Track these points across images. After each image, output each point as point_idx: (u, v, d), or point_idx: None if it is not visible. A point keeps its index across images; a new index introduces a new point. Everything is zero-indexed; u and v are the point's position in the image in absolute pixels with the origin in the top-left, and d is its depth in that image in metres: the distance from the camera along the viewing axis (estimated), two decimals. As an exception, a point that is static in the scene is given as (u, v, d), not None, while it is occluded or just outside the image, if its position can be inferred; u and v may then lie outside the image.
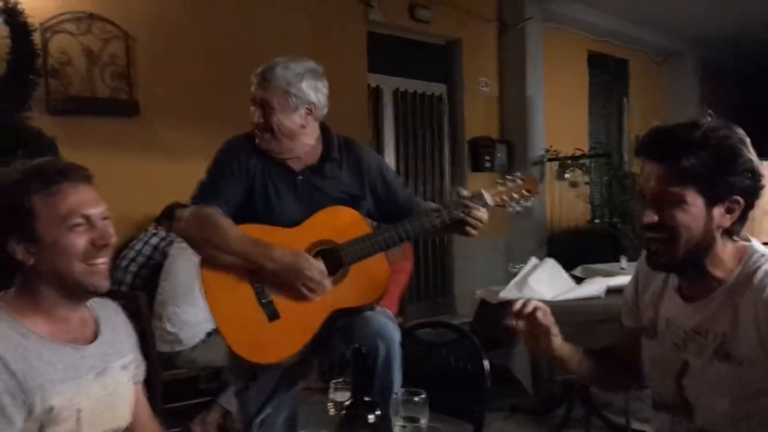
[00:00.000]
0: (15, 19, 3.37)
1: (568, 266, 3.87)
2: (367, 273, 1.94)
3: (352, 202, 2.04)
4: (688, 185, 1.25)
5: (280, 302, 1.87)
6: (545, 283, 3.50)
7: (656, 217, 1.29)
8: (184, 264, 3.18)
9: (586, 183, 6.45)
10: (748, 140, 1.28)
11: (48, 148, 3.37)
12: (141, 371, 1.55)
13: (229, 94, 4.31)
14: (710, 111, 1.33)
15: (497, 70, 6.42)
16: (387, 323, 1.92)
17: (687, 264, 1.34)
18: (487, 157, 6.09)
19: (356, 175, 2.07)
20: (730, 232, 1.31)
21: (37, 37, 3.50)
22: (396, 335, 1.92)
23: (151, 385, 1.61)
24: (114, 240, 1.36)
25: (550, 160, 6.34)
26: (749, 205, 1.29)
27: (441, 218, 1.95)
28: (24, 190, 1.28)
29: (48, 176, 1.30)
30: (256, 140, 1.99)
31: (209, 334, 3.19)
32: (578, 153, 6.44)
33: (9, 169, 1.32)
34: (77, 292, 1.35)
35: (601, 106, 7.75)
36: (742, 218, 1.30)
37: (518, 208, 2.09)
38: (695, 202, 1.26)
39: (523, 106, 6.31)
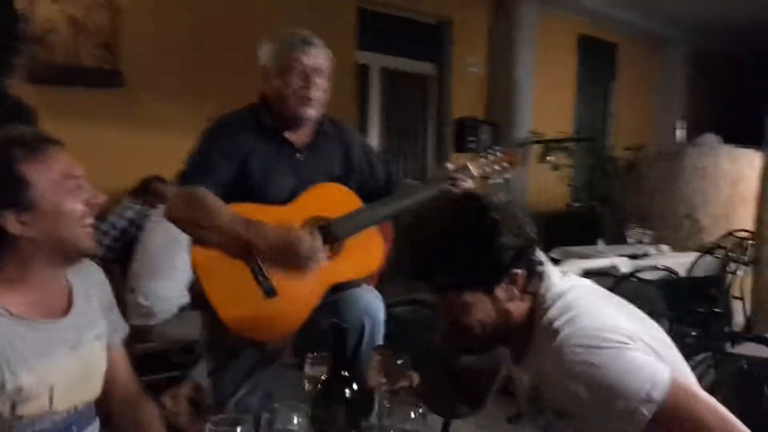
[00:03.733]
0: (-3, -17, 3.32)
1: (545, 248, 3.89)
2: (362, 246, 1.96)
3: (343, 178, 2.06)
4: (459, 290, 1.25)
5: (278, 279, 1.84)
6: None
7: (449, 326, 1.29)
8: (159, 238, 3.18)
9: (569, 166, 6.49)
10: (498, 208, 1.24)
11: (27, 117, 3.33)
12: (119, 333, 1.53)
13: (215, 67, 4.29)
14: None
15: (487, 50, 6.41)
16: (374, 300, 1.95)
17: (496, 341, 1.34)
18: (472, 138, 6.10)
19: (345, 152, 2.09)
20: (525, 293, 1.28)
21: (20, 3, 3.46)
22: (381, 313, 1.95)
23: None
24: (104, 198, 1.35)
25: (534, 142, 6.37)
26: (531, 264, 1.27)
27: (431, 191, 1.98)
28: (12, 160, 1.22)
29: (32, 142, 1.25)
30: (300, 109, 1.93)
31: (182, 309, 3.20)
32: (562, 135, 6.47)
33: None
34: (73, 257, 1.33)
35: (588, 90, 7.76)
36: (532, 275, 1.27)
37: (499, 180, 2.15)
38: (475, 298, 1.25)
39: (510, 88, 6.32)
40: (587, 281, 1.36)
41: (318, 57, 1.95)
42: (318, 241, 1.85)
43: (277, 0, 4.65)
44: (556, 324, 1.20)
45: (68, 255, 1.32)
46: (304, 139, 2.02)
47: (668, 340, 1.30)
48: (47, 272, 1.32)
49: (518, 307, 1.28)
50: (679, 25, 7.95)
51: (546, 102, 6.67)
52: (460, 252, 1.22)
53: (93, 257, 1.42)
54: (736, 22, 7.48)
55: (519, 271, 1.24)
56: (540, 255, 1.30)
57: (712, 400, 1.16)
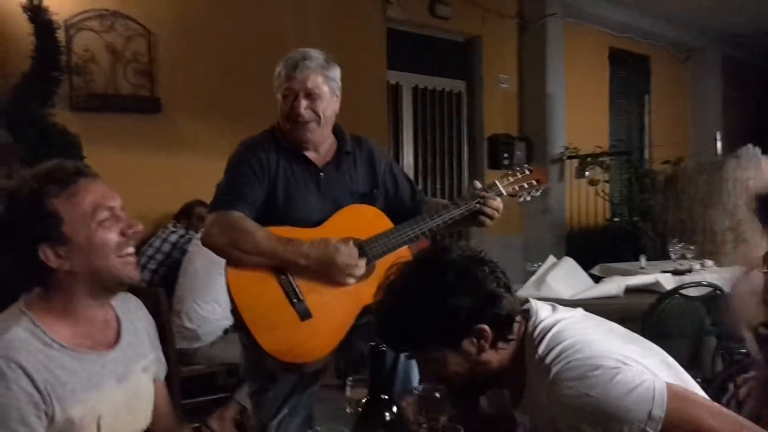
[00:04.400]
0: (39, 16, 3.42)
1: (586, 264, 3.85)
2: None
3: (368, 196, 2.05)
4: (425, 350, 1.29)
5: (311, 301, 1.85)
6: (564, 282, 3.49)
7: (435, 377, 1.31)
8: (203, 261, 3.20)
9: (606, 181, 6.40)
10: (447, 276, 1.25)
11: (71, 145, 3.42)
12: (162, 369, 1.55)
13: (250, 91, 4.34)
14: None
15: (517, 66, 6.40)
16: None
17: (484, 387, 1.36)
18: (506, 155, 6.06)
19: (370, 169, 2.09)
20: (498, 344, 1.28)
21: (61, 35, 3.56)
22: None
23: (169, 381, 1.60)
24: (141, 227, 1.37)
25: (569, 157, 6.30)
26: (495, 318, 1.26)
27: (460, 210, 1.98)
28: (43, 195, 1.25)
29: (63, 177, 1.28)
30: (296, 133, 1.94)
31: (227, 331, 3.22)
32: (598, 150, 6.39)
33: (21, 179, 1.30)
34: (112, 287, 1.35)
35: (621, 103, 7.67)
36: (501, 327, 1.27)
37: (528, 198, 2.15)
38: (443, 354, 1.27)
39: (542, 103, 6.27)
40: (578, 311, 1.35)
41: (306, 78, 1.91)
42: (355, 252, 1.85)
43: (307, 23, 4.71)
44: (547, 360, 1.20)
45: (107, 285, 1.34)
46: (325, 158, 2.02)
47: (669, 359, 1.30)
48: (91, 303, 1.34)
49: (496, 355, 1.29)
50: (709, 35, 7.84)
51: (579, 116, 6.61)
52: (414, 317, 1.26)
53: (139, 282, 1.43)
54: (766, 33, 7.34)
55: (484, 326, 1.25)
56: (516, 299, 1.31)
57: (716, 405, 1.17)
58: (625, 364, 1.16)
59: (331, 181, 2.00)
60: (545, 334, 1.25)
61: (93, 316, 1.35)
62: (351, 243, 1.87)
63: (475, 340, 1.26)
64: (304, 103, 1.91)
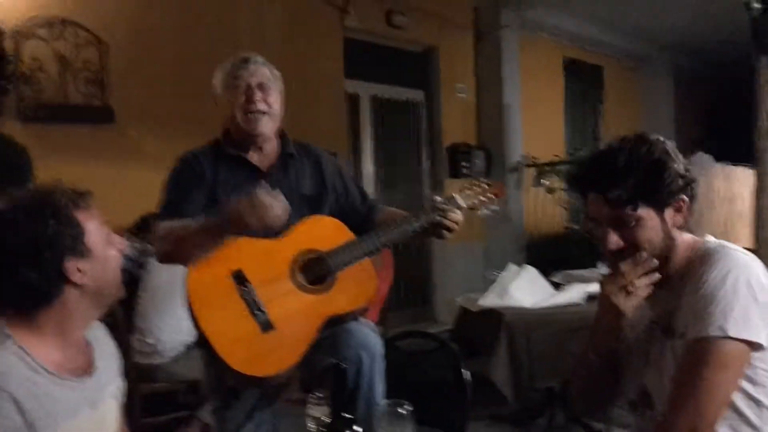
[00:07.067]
0: (-15, 24, 3.31)
1: (546, 272, 3.89)
2: (355, 278, 1.95)
3: (315, 200, 2.08)
4: (636, 204, 1.36)
5: (274, 312, 1.82)
6: (525, 291, 3.51)
7: (621, 242, 1.39)
8: (163, 275, 3.12)
9: (563, 189, 6.50)
10: (669, 145, 1.40)
11: (20, 156, 3.29)
12: (121, 392, 1.53)
13: (205, 101, 4.27)
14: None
15: (474, 77, 6.45)
16: (370, 334, 1.93)
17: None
18: (465, 164, 6.10)
19: (316, 173, 2.12)
20: (682, 227, 1.44)
21: (8, 43, 3.44)
22: (379, 347, 1.93)
23: (129, 399, 1.58)
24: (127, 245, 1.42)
25: (527, 166, 6.38)
26: (692, 199, 1.42)
27: (420, 222, 1.99)
28: (69, 207, 1.26)
29: (77, 192, 1.31)
30: (251, 125, 1.97)
31: (189, 347, 3.14)
32: (555, 159, 6.48)
33: (23, 196, 1.27)
34: (107, 303, 1.37)
35: (577, 112, 7.82)
36: (689, 212, 1.43)
37: (486, 212, 2.16)
38: (648, 215, 1.37)
39: (499, 113, 6.34)
40: None
41: (257, 72, 2.00)
42: (273, 193, 1.80)
43: (266, 34, 4.66)
44: (717, 252, 1.37)
45: (105, 301, 1.35)
46: (269, 162, 2.05)
47: None
48: (83, 324, 1.34)
49: (680, 239, 1.42)
50: (659, 45, 8.06)
51: (536, 125, 6.71)
52: (640, 170, 1.36)
53: None
54: (715, 42, 7.56)
55: (685, 199, 1.39)
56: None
57: (721, 388, 1.28)
58: (761, 306, 1.29)
59: (275, 184, 1.98)
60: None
61: (78, 339, 1.34)
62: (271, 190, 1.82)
63: (675, 212, 1.39)
64: (259, 94, 1.97)
